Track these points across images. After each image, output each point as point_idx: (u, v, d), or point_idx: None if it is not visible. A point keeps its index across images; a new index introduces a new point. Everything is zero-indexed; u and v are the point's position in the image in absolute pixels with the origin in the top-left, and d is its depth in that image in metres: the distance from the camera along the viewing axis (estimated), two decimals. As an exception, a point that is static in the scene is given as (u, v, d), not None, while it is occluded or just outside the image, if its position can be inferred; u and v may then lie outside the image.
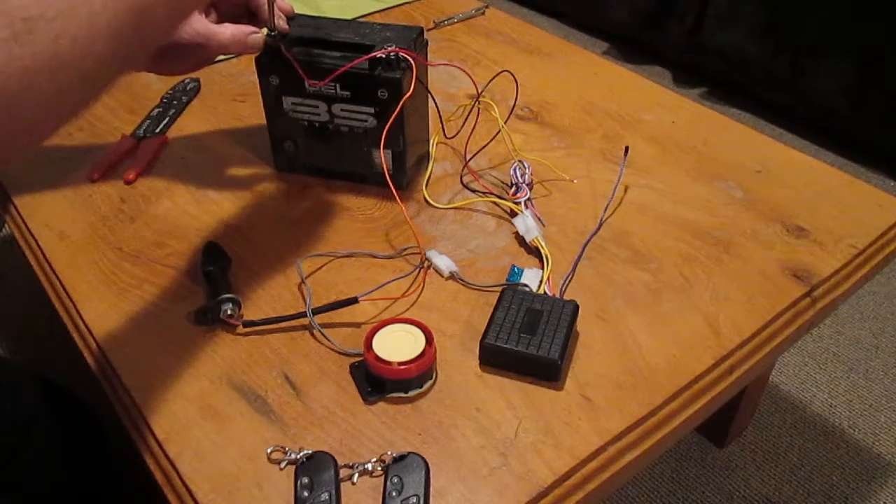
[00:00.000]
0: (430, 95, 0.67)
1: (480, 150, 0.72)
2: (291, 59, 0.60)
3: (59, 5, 0.33)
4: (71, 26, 0.34)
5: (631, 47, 1.83)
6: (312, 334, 0.55)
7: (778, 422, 0.99)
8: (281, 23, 0.61)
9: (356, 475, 0.46)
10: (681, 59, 1.73)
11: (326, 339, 0.54)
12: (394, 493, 0.44)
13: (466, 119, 0.73)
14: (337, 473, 0.45)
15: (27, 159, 0.69)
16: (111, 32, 0.36)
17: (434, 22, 0.98)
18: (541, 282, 0.58)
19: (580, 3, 1.88)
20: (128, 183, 0.70)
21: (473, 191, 0.69)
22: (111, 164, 0.72)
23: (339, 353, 0.53)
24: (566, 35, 1.88)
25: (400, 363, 0.49)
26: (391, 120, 0.60)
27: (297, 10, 0.64)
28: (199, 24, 0.56)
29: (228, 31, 0.57)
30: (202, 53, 0.58)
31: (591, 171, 0.72)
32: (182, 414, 0.49)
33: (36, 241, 0.64)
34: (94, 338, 0.55)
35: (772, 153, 0.75)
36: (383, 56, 0.60)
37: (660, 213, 0.67)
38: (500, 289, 0.56)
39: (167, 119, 0.78)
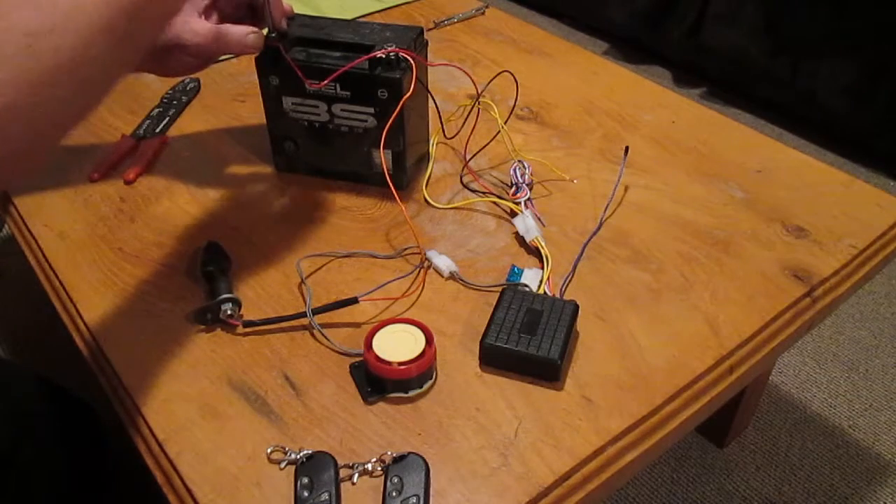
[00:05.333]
0: (430, 95, 0.67)
1: (480, 150, 0.72)
2: (290, 61, 0.60)
3: (57, 17, 0.34)
4: (70, 37, 0.35)
5: (631, 47, 1.83)
6: (312, 334, 0.55)
7: (778, 422, 0.99)
8: (281, 23, 0.61)
9: (356, 475, 0.46)
10: (681, 59, 1.73)
11: (326, 339, 0.54)
12: (394, 493, 0.44)
13: (466, 119, 0.73)
14: (337, 473, 0.45)
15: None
16: (107, 37, 0.36)
17: (434, 22, 0.98)
18: (541, 282, 0.58)
19: (580, 3, 1.88)
20: (128, 183, 0.70)
21: (473, 191, 0.69)
22: (111, 164, 0.72)
23: (339, 353, 0.53)
24: (566, 35, 1.88)
25: (400, 363, 0.49)
26: (391, 120, 0.60)
27: (297, 10, 0.64)
28: (199, 26, 0.56)
29: (228, 31, 0.57)
30: (203, 54, 0.58)
31: (591, 171, 0.72)
32: (182, 414, 0.49)
33: (36, 241, 0.64)
34: (94, 338, 0.55)
35: (772, 153, 0.75)
36: (383, 56, 0.60)
37: (660, 213, 0.67)
38: (500, 289, 0.56)
39: (167, 119, 0.78)
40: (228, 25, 0.58)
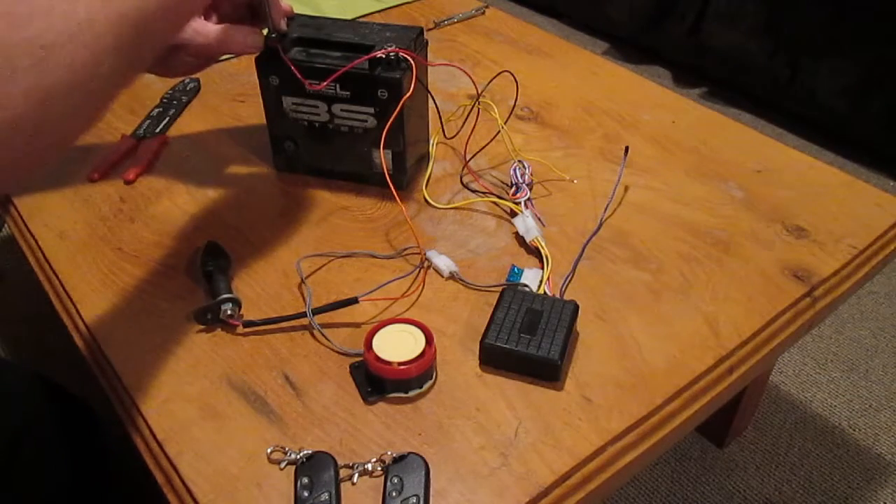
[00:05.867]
0: (430, 95, 0.67)
1: (480, 150, 0.72)
2: (289, 63, 0.60)
3: (69, 31, 0.35)
4: (81, 50, 0.35)
5: (631, 47, 1.83)
6: (312, 334, 0.55)
7: (778, 422, 0.99)
8: (281, 23, 0.61)
9: (356, 475, 0.46)
10: (681, 60, 1.73)
11: (326, 339, 0.54)
12: (394, 494, 0.44)
13: (466, 119, 0.73)
14: (337, 473, 0.45)
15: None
16: (115, 51, 0.37)
17: (434, 22, 0.98)
18: (541, 282, 0.58)
19: (580, 3, 1.88)
20: (128, 183, 0.70)
21: (473, 191, 0.69)
22: (111, 164, 0.72)
23: (339, 353, 0.53)
24: (566, 35, 1.88)
25: (400, 363, 0.49)
26: (391, 120, 0.60)
27: (297, 10, 0.64)
28: (199, 26, 0.56)
29: (228, 31, 0.57)
30: (203, 54, 0.58)
31: (591, 171, 0.72)
32: (182, 414, 0.49)
33: (36, 241, 0.64)
34: (93, 338, 0.55)
35: (772, 153, 0.75)
36: (383, 56, 0.60)
37: (660, 213, 0.67)
38: (500, 289, 0.56)
39: (167, 119, 0.78)
40: (229, 25, 0.58)
